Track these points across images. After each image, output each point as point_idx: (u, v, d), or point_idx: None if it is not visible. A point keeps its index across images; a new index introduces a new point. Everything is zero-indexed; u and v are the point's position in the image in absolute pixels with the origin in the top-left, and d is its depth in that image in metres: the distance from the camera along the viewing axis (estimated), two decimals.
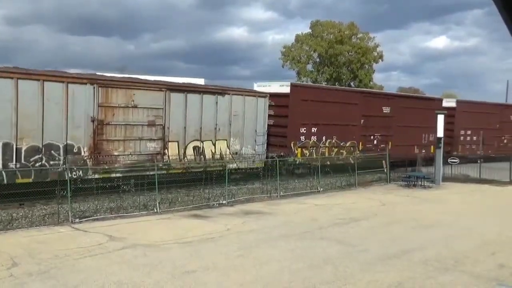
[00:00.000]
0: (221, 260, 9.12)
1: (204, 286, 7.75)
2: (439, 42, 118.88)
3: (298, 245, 10.39)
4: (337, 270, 8.69)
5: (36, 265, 8.36)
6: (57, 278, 7.81)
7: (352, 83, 52.15)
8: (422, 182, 20.57)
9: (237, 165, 18.30)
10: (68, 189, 12.29)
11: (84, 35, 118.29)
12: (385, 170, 22.37)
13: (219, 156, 17.87)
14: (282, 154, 19.92)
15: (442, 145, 21.66)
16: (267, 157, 19.21)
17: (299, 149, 20.91)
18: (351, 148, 23.03)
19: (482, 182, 21.88)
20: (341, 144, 22.67)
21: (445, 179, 21.96)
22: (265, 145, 19.33)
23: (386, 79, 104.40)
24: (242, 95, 18.68)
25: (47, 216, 12.27)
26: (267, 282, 7.97)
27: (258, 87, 21.92)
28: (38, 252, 9.11)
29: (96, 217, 12.38)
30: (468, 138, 30.88)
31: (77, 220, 11.94)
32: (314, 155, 21.23)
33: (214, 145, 17.77)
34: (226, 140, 18.14)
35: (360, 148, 23.33)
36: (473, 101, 33.07)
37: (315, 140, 21.56)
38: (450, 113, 27.65)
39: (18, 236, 10.39)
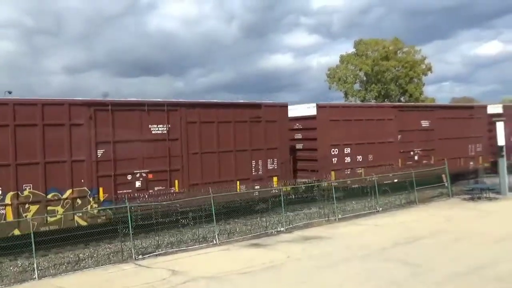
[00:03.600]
0: None
1: None
2: (491, 47, 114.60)
3: (362, 268, 10.12)
4: None
5: None
6: None
7: (402, 98, 51.14)
8: (487, 194, 19.64)
9: None
10: (130, 226, 12.60)
11: (136, 77, 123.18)
12: (446, 184, 21.53)
13: None
14: None
15: (504, 153, 20.66)
16: None
17: None
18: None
19: None
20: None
21: None
22: None
23: (438, 91, 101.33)
24: None
25: (111, 254, 12.63)
26: None
27: None
28: None
29: (158, 253, 12.60)
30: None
31: (140, 256, 12.20)
32: None
33: None
34: None
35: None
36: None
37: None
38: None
39: (85, 275, 10.73)
